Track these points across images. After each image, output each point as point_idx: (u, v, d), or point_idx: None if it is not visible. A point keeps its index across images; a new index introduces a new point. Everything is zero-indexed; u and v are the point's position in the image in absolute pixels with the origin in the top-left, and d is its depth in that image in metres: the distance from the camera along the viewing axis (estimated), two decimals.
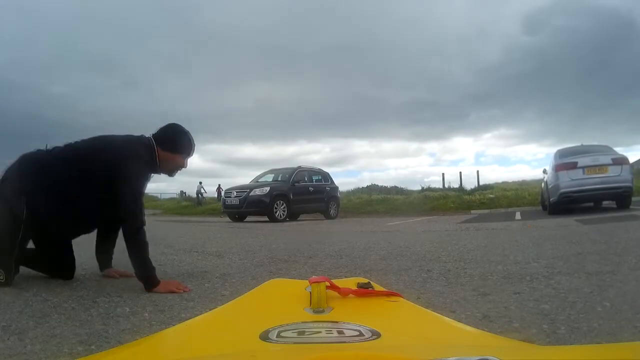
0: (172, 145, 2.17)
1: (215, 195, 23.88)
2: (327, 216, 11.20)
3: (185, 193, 34.45)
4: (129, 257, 1.95)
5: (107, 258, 2.34)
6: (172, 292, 1.86)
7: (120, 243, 2.06)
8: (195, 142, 2.26)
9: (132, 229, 1.94)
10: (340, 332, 0.66)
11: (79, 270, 2.47)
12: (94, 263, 2.75)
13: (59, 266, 2.17)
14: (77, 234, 2.21)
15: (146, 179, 2.11)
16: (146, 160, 2.08)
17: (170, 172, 2.25)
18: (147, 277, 1.91)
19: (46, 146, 2.10)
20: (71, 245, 2.20)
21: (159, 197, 37.48)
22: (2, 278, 1.93)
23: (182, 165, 2.24)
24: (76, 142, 2.11)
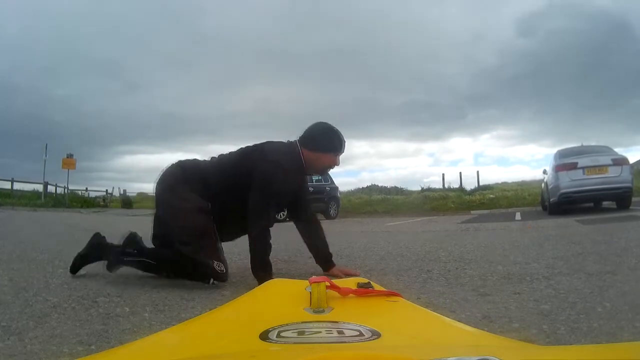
0: (320, 145, 2.17)
1: None
2: (327, 216, 11.20)
3: None
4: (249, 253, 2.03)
5: (325, 258, 2.30)
6: None
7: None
8: (344, 138, 2.23)
9: (253, 231, 2.02)
10: (340, 332, 0.66)
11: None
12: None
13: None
14: (239, 234, 2.27)
15: (282, 182, 2.09)
16: (288, 162, 2.11)
17: (321, 172, 2.28)
18: (261, 277, 1.93)
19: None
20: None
21: None
22: (221, 269, 1.94)
23: (332, 162, 2.22)
24: (227, 153, 2.24)
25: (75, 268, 2.23)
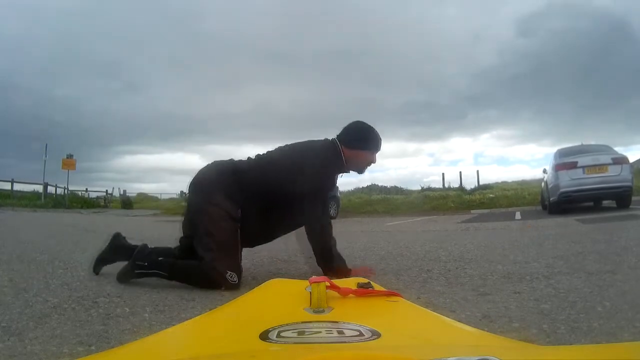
0: (358, 143, 2.18)
1: None
2: None
3: (185, 193, 34.38)
4: (313, 254, 2.05)
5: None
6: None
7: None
8: (381, 137, 2.26)
9: (315, 230, 2.03)
10: (340, 332, 0.66)
11: (78, 270, 2.47)
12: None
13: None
14: (275, 237, 2.29)
15: (332, 180, 2.16)
16: (332, 162, 2.13)
17: (360, 169, 2.27)
18: (331, 271, 1.95)
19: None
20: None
21: (159, 197, 37.53)
22: (234, 280, 1.93)
23: (371, 160, 2.25)
24: (265, 152, 2.23)
25: (96, 268, 2.26)
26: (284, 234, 2.30)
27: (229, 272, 1.92)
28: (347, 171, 2.24)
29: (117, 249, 2.21)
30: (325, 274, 1.94)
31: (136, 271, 2.05)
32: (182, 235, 2.20)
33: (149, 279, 2.06)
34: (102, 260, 2.25)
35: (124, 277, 2.07)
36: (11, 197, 17.45)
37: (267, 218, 2.11)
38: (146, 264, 2.04)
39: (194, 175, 2.15)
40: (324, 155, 2.12)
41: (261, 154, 2.23)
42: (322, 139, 2.25)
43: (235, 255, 2.00)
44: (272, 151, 2.24)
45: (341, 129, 2.22)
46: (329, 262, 2.04)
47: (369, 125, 2.23)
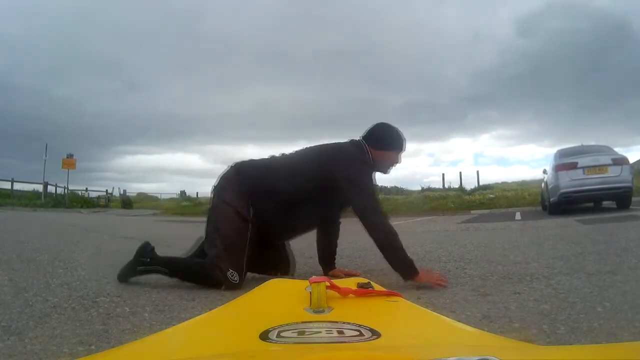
0: (383, 144, 2.18)
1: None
2: None
3: (185, 193, 34.52)
4: (380, 251, 1.98)
5: (331, 259, 2.34)
6: (432, 285, 1.86)
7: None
8: (405, 137, 2.26)
9: (376, 225, 1.98)
10: (340, 332, 0.66)
11: (78, 270, 2.47)
12: (93, 263, 2.76)
13: (277, 262, 2.21)
14: (296, 234, 2.27)
15: (370, 177, 2.13)
16: (364, 160, 2.12)
17: (385, 170, 2.26)
18: (404, 267, 1.92)
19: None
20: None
21: (159, 197, 37.55)
22: (235, 279, 1.93)
23: (396, 161, 2.25)
24: (291, 152, 2.22)
25: (124, 277, 2.16)
26: (304, 233, 2.28)
27: (231, 271, 1.92)
28: (373, 172, 2.22)
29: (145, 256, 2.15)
30: (395, 268, 1.94)
31: (138, 267, 2.05)
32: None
33: (151, 277, 2.06)
34: (132, 273, 2.14)
35: (125, 274, 2.07)
36: (11, 196, 17.46)
37: (287, 217, 2.08)
38: (148, 260, 2.04)
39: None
40: (357, 154, 2.12)
41: (286, 153, 2.22)
42: (348, 140, 2.23)
43: (240, 254, 1.98)
44: (298, 151, 2.23)
45: (366, 130, 2.21)
46: (399, 260, 1.93)
47: (394, 126, 2.24)
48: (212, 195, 2.13)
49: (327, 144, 2.24)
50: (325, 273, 2.22)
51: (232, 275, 1.92)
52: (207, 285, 1.95)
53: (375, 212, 2.01)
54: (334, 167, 2.03)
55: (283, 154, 2.22)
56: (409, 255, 1.95)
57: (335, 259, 2.34)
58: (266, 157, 2.23)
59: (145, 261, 2.04)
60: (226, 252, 1.95)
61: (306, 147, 2.24)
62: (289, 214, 2.07)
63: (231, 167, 2.19)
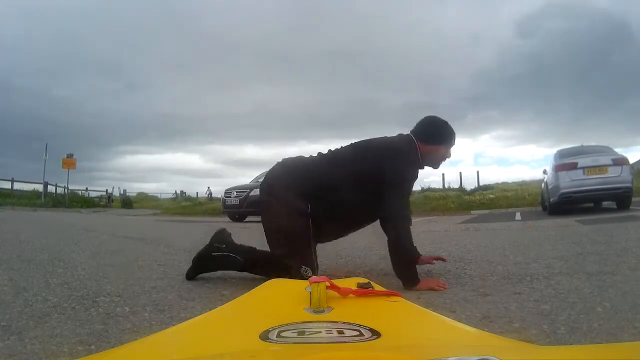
0: (434, 138, 2.15)
1: (206, 196, 24.76)
2: None
3: (185, 193, 34.57)
4: (390, 255, 1.96)
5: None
6: (433, 289, 1.86)
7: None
8: (454, 130, 2.23)
9: (397, 229, 1.96)
10: (340, 332, 0.66)
11: (78, 270, 2.47)
12: (93, 263, 2.76)
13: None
14: (347, 232, 2.26)
15: (413, 177, 2.12)
16: (411, 158, 2.10)
17: (435, 164, 2.24)
18: (407, 276, 1.92)
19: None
20: None
21: (159, 196, 37.60)
22: (309, 275, 1.90)
23: (446, 155, 2.22)
24: (338, 148, 2.19)
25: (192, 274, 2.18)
26: (353, 232, 2.28)
27: (304, 267, 1.90)
28: (422, 167, 2.22)
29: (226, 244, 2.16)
30: (398, 275, 1.95)
31: (213, 253, 2.04)
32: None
33: (151, 277, 2.06)
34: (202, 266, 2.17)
35: (199, 259, 2.07)
36: (11, 196, 17.47)
37: (337, 216, 2.07)
38: (224, 246, 2.03)
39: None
40: (406, 151, 2.09)
41: (333, 149, 2.20)
42: (396, 135, 2.21)
43: (307, 250, 1.97)
44: (345, 147, 2.19)
45: (415, 125, 2.18)
46: (411, 269, 1.95)
47: (444, 120, 2.20)
48: (263, 196, 2.09)
49: (375, 139, 2.20)
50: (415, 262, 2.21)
51: (306, 271, 1.90)
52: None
53: (402, 220, 1.98)
54: (381, 164, 2.01)
55: (330, 150, 2.19)
56: (416, 269, 1.95)
57: (417, 255, 2.28)
58: (314, 154, 2.19)
59: (221, 247, 2.03)
60: (294, 250, 1.93)
61: (353, 143, 2.21)
62: (341, 212, 2.04)
63: (278, 164, 2.16)
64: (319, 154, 2.18)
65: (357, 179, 2.01)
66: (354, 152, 2.13)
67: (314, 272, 1.93)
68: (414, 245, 2.24)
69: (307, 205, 1.99)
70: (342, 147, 2.20)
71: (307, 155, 2.21)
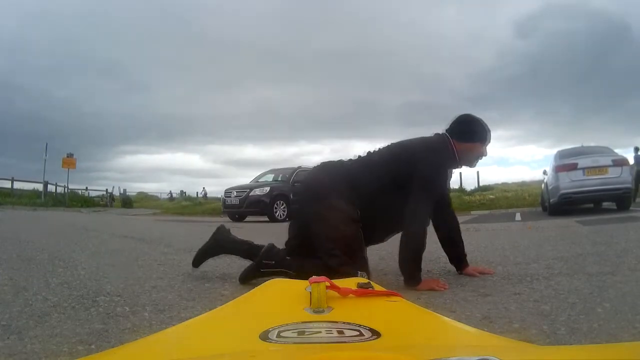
0: (469, 136, 2.14)
1: (201, 196, 24.95)
2: None
3: (185, 193, 34.61)
4: (399, 253, 1.97)
5: (460, 256, 2.31)
6: (433, 289, 1.86)
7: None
8: (489, 128, 2.21)
9: (412, 229, 1.95)
10: (340, 332, 0.66)
11: (78, 269, 2.47)
12: (93, 262, 2.76)
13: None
14: (389, 236, 2.24)
15: (445, 177, 2.12)
16: (446, 157, 2.09)
17: (471, 163, 2.22)
18: (411, 275, 1.93)
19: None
20: None
21: (159, 196, 37.62)
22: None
23: (482, 153, 2.20)
24: (375, 150, 2.17)
25: (197, 262, 2.23)
26: (394, 234, 2.22)
27: (360, 273, 1.86)
28: (459, 166, 2.21)
29: (222, 242, 2.20)
30: (402, 272, 1.96)
31: (262, 270, 2.01)
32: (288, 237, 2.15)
33: (151, 276, 2.06)
34: (205, 253, 2.22)
35: (247, 276, 2.04)
36: (11, 195, 17.46)
37: (380, 219, 2.05)
38: (273, 262, 2.01)
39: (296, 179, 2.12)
40: (440, 151, 2.08)
41: (371, 151, 2.19)
42: (432, 134, 2.19)
43: (361, 255, 1.96)
44: (381, 149, 2.18)
45: (450, 123, 2.17)
46: (415, 269, 1.96)
47: (478, 118, 2.19)
48: (309, 200, 2.05)
49: (409, 140, 2.19)
50: (459, 271, 2.26)
51: (363, 276, 1.85)
52: None
53: (421, 224, 1.97)
54: (416, 163, 2.00)
55: (368, 152, 2.18)
56: (420, 270, 1.95)
57: (465, 255, 2.30)
58: (353, 157, 2.18)
59: (271, 264, 2.00)
60: (348, 257, 1.90)
61: (390, 144, 2.20)
62: (382, 215, 2.03)
63: (318, 169, 2.14)
64: (358, 156, 2.17)
65: (394, 182, 2.01)
66: (390, 156, 2.11)
67: (369, 277, 1.87)
68: (465, 253, 2.28)
69: (357, 210, 1.97)
70: (379, 148, 2.19)
71: (345, 159, 2.19)
